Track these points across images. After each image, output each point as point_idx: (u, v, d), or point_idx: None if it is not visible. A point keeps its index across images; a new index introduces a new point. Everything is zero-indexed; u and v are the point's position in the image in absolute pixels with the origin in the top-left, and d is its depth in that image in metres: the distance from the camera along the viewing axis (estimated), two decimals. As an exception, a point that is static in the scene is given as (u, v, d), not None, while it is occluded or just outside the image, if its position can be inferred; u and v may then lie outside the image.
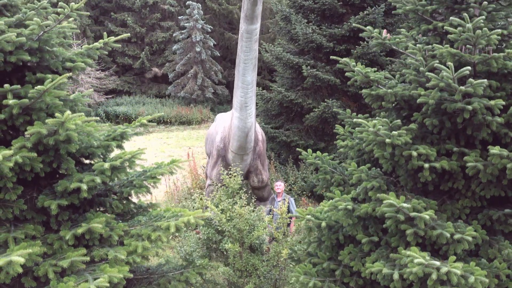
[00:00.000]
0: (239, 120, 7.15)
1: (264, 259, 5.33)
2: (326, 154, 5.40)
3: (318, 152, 5.32)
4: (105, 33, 4.49)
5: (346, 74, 4.49)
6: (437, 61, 3.73)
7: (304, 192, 10.74)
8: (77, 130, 3.47)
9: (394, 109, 4.27)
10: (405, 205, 3.39)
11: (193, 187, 10.55)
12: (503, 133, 3.80)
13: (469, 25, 3.44)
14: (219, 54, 21.47)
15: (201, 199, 5.95)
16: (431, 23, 4.23)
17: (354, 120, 3.89)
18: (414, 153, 3.62)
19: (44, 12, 4.15)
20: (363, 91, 4.27)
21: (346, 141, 5.07)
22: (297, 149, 5.40)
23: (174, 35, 21.01)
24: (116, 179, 3.92)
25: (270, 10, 22.11)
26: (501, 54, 3.57)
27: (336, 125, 5.22)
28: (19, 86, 3.49)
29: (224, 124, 8.23)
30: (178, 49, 20.60)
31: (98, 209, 4.27)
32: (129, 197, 4.43)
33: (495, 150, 3.47)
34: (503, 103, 3.50)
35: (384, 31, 4.42)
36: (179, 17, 21.13)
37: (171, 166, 4.47)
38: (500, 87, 3.91)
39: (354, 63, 4.47)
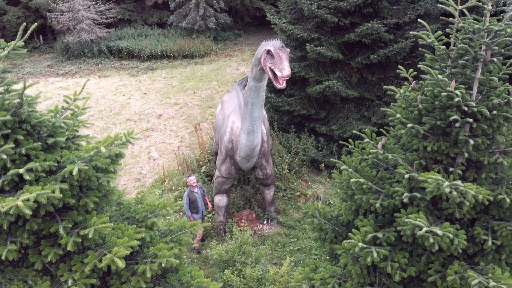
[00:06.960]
0: (246, 141, 7.80)
1: None
2: (323, 206, 6.31)
3: (317, 204, 6.23)
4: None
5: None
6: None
7: (305, 163, 11.74)
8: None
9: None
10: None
11: (201, 158, 11.50)
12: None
13: (455, 194, 4.09)
14: (220, -20, 20.50)
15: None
16: (426, 140, 4.77)
17: (344, 244, 4.72)
18: (389, 268, 4.58)
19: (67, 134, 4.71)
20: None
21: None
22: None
23: (173, -40, 19.83)
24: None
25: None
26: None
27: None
28: (69, 225, 4.28)
29: (232, 126, 8.79)
30: (178, -24, 19.64)
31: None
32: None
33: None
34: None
35: (381, 141, 4.94)
36: None
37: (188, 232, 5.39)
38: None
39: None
